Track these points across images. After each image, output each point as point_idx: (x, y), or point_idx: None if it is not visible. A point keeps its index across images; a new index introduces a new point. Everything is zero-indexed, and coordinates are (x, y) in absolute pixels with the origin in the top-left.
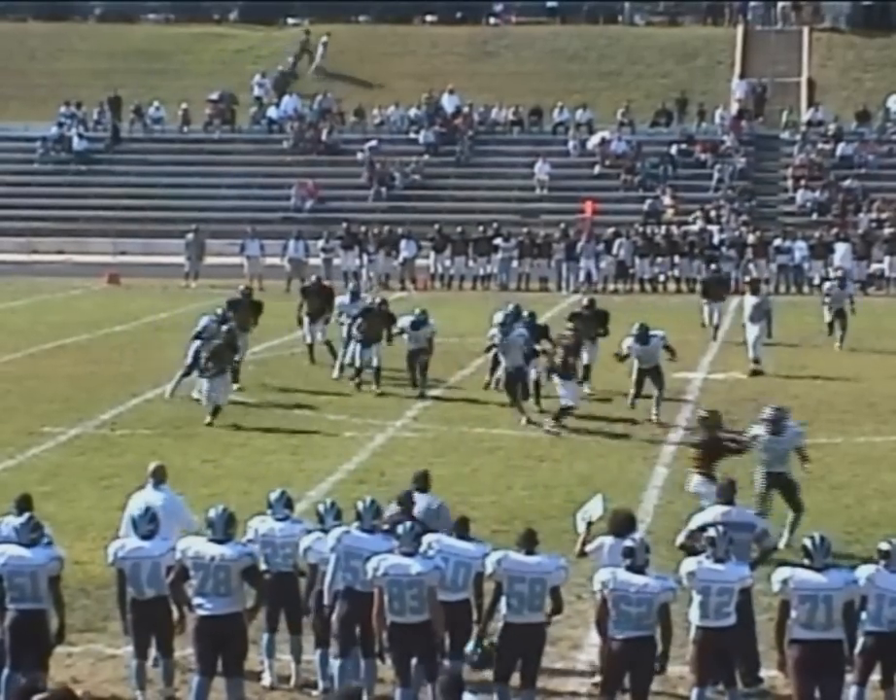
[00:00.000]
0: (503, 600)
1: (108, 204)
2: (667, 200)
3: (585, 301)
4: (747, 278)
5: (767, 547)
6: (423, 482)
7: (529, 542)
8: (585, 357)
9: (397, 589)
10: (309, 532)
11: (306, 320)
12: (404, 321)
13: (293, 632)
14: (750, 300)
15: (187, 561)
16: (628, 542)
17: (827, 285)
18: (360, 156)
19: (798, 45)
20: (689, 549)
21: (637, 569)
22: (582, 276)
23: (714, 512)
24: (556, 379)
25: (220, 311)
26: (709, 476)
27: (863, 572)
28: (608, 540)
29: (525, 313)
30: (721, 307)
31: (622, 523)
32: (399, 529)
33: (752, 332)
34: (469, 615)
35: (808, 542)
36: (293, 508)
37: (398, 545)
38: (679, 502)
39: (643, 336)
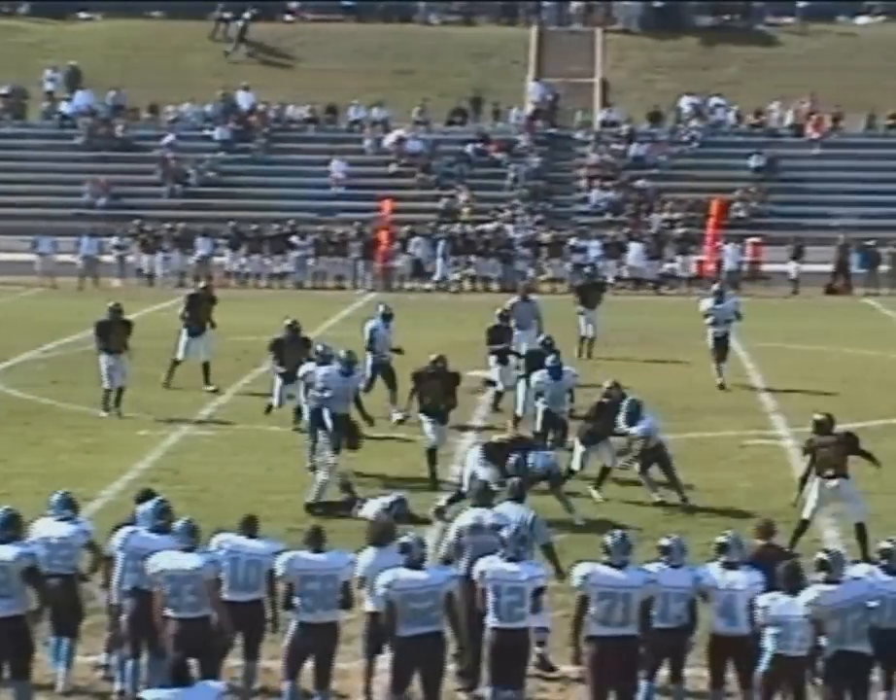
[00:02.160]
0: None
1: None
2: (463, 197)
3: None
4: (542, 278)
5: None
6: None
7: (316, 540)
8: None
9: (174, 585)
10: (87, 532)
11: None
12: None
13: (69, 635)
14: (520, 306)
15: None
16: (405, 539)
17: (706, 303)
18: (156, 152)
19: (591, 46)
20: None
21: (415, 565)
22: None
23: (470, 515)
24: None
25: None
26: None
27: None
28: (371, 550)
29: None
30: (594, 316)
31: (382, 532)
32: (176, 526)
33: (523, 339)
34: (263, 615)
35: (608, 540)
36: (77, 509)
37: (178, 541)
38: None
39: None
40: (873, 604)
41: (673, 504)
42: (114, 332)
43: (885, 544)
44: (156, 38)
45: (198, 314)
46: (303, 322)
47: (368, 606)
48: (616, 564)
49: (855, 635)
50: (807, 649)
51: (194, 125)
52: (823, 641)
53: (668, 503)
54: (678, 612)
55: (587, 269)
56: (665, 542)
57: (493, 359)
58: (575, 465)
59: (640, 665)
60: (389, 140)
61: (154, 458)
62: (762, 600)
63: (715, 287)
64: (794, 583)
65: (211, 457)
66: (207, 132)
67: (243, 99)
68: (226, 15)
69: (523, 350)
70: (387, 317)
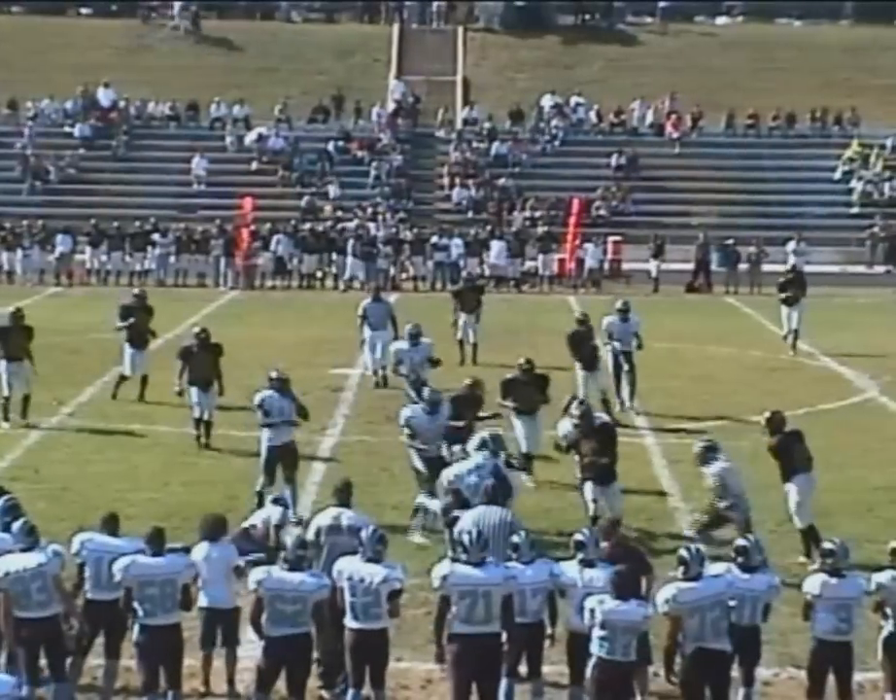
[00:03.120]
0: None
1: None
2: (334, 192)
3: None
4: (404, 276)
5: None
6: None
7: (156, 543)
8: None
9: (22, 586)
10: None
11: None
12: None
13: None
14: (373, 307)
15: None
16: (292, 538)
17: (607, 320)
18: (15, 148)
19: (453, 44)
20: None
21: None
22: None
23: (328, 515)
24: None
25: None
26: None
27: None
28: (204, 544)
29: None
30: (473, 320)
31: (213, 526)
32: (14, 527)
33: (378, 340)
34: (124, 613)
35: (465, 538)
36: None
37: (15, 542)
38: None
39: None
40: (732, 602)
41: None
42: (13, 338)
43: (741, 542)
44: (15, 33)
45: (138, 326)
46: (165, 320)
47: (202, 601)
48: (474, 562)
49: (714, 632)
50: (633, 655)
51: (55, 122)
52: (680, 638)
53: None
54: (536, 608)
55: (465, 274)
56: (515, 539)
57: (578, 366)
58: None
59: (503, 662)
60: (250, 138)
61: (13, 456)
62: (589, 602)
63: (619, 303)
64: (622, 589)
65: (72, 456)
66: (67, 129)
67: (104, 96)
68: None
69: (378, 351)
70: (414, 337)
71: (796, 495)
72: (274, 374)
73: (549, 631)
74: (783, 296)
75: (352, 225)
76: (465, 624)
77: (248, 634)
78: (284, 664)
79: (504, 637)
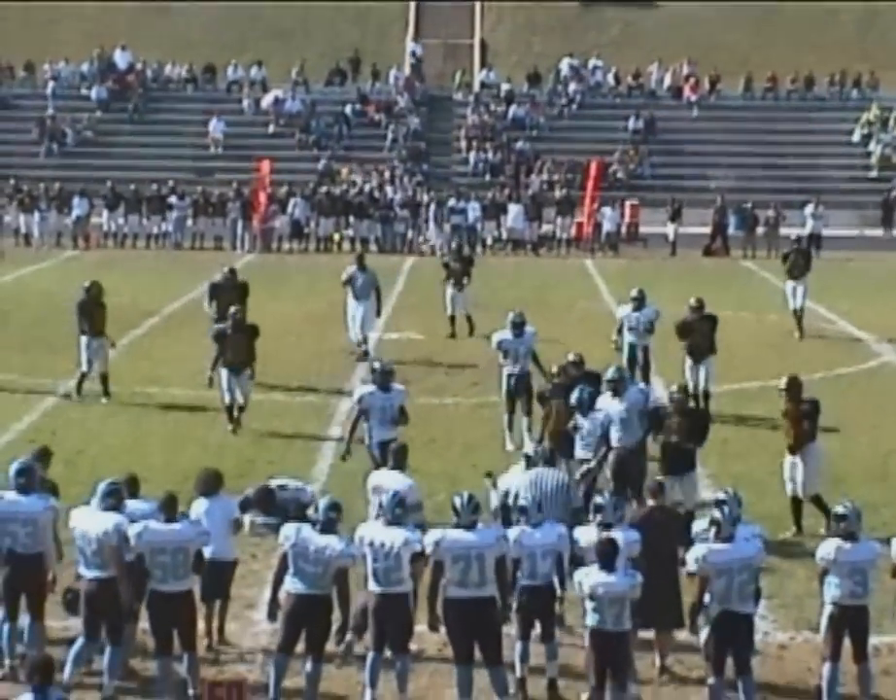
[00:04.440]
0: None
1: None
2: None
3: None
4: (421, 239)
5: None
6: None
7: (169, 509)
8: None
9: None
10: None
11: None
12: None
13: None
14: (358, 275)
15: None
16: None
17: (622, 310)
18: (32, 111)
19: (470, 7)
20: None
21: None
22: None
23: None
24: None
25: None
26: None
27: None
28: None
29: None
30: (457, 291)
31: (209, 481)
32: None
33: (359, 310)
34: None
35: (456, 501)
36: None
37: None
38: (354, 461)
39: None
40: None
41: None
42: (95, 313)
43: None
44: None
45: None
46: (181, 284)
47: (207, 553)
48: (466, 525)
49: (741, 596)
50: (626, 624)
51: (71, 85)
52: (707, 599)
53: None
54: (546, 570)
55: (453, 244)
56: (522, 502)
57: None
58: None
59: (500, 621)
60: (267, 100)
61: (31, 419)
62: (577, 574)
63: (634, 291)
64: (605, 559)
65: (88, 420)
66: (84, 92)
67: (120, 58)
68: None
69: (358, 322)
70: (517, 325)
71: (815, 462)
72: (377, 366)
73: (559, 594)
74: (787, 267)
75: (368, 187)
76: (459, 588)
77: (266, 594)
78: (303, 623)
79: (499, 599)
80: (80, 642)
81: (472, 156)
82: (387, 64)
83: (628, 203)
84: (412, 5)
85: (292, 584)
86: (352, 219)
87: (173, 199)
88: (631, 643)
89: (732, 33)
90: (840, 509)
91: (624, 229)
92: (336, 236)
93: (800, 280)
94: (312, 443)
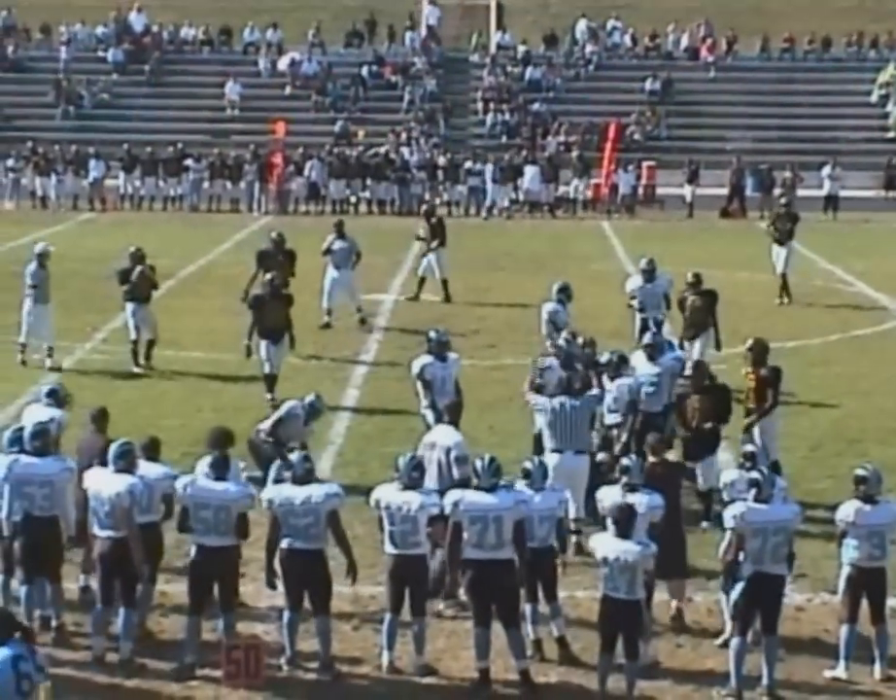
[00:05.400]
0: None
1: None
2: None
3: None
4: (438, 201)
5: None
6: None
7: (220, 468)
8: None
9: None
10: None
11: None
12: None
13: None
14: (338, 244)
15: None
16: (293, 457)
17: (633, 282)
18: (48, 74)
19: None
20: None
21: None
22: None
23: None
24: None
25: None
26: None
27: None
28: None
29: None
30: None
31: (219, 439)
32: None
33: (341, 279)
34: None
35: (477, 463)
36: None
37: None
38: (369, 423)
39: None
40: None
41: None
42: (140, 280)
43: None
44: None
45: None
46: (197, 246)
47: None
48: (485, 487)
49: (774, 557)
50: (639, 592)
51: (87, 47)
52: (741, 557)
53: None
54: (543, 534)
55: (425, 205)
56: (527, 465)
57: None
58: None
59: (519, 584)
60: (283, 62)
61: (48, 382)
62: (592, 540)
63: (644, 263)
64: (621, 525)
65: (104, 382)
66: (100, 54)
67: (136, 21)
68: None
69: (344, 290)
70: (564, 293)
71: (773, 428)
72: (433, 335)
73: (560, 559)
74: (772, 231)
75: (383, 150)
76: (476, 550)
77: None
78: (304, 581)
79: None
80: (96, 609)
81: (489, 117)
82: (403, 25)
83: (645, 165)
84: None
85: (288, 543)
86: (369, 181)
87: (189, 161)
88: (645, 610)
89: None
90: (860, 472)
91: (641, 191)
92: (353, 198)
93: (784, 245)
94: (330, 401)
